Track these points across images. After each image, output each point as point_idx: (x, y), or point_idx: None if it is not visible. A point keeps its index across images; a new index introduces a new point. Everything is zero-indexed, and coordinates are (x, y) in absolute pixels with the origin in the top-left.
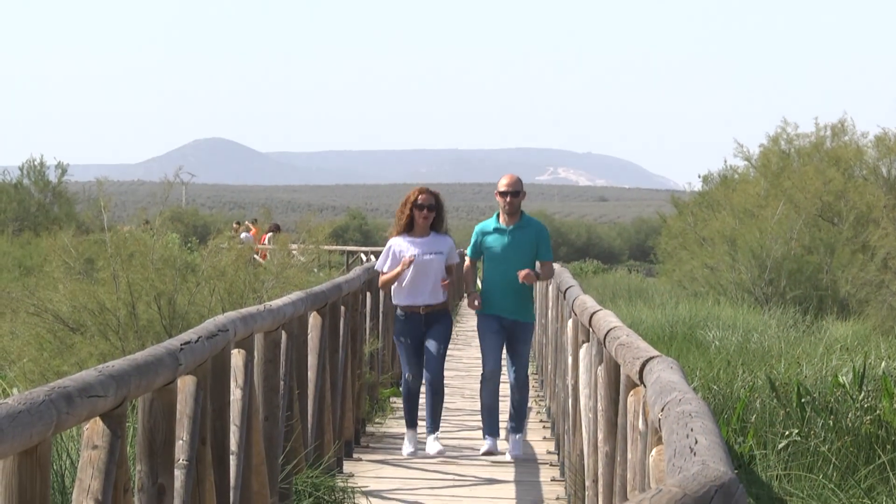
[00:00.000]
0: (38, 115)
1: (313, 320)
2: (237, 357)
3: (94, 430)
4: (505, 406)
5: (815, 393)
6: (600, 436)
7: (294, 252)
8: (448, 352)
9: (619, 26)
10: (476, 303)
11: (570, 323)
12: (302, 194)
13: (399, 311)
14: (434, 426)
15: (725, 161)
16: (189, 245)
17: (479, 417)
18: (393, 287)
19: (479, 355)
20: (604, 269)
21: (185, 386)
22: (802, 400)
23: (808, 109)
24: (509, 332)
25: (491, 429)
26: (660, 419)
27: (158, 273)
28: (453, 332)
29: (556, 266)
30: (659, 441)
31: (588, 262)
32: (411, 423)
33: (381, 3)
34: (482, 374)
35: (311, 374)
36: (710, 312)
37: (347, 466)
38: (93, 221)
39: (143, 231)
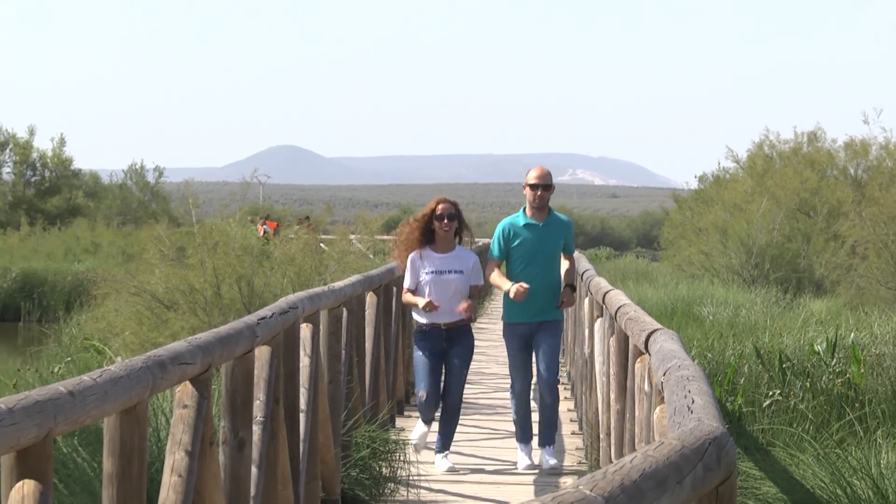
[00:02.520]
0: (139, 125)
1: (370, 299)
2: (305, 330)
3: (185, 392)
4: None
5: (794, 359)
6: (612, 396)
7: (353, 241)
8: (483, 324)
9: (632, 49)
10: (522, 288)
11: (586, 301)
12: (361, 193)
13: (418, 326)
14: (445, 446)
15: (718, 163)
16: (265, 235)
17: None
18: None
19: None
20: (615, 256)
21: (262, 355)
22: (784, 365)
23: (787, 119)
24: (535, 332)
25: (524, 436)
26: (662, 382)
27: (239, 259)
28: (487, 307)
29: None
30: (661, 401)
31: (602, 250)
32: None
33: (429, 31)
34: (511, 389)
35: (368, 345)
36: (705, 292)
37: (399, 422)
38: (184, 216)
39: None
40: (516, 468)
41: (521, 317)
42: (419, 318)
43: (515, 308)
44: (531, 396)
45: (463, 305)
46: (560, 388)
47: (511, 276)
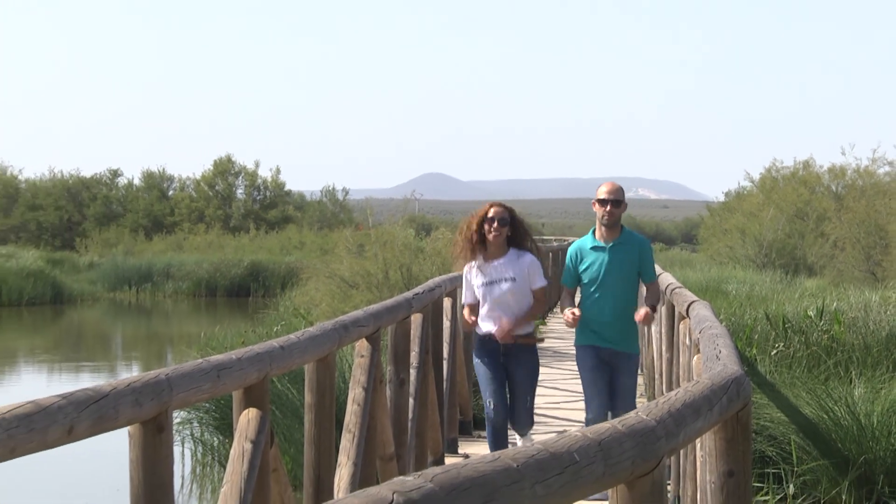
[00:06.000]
0: (331, 156)
1: None
2: (447, 302)
3: (362, 346)
4: None
5: (793, 321)
6: (663, 348)
7: None
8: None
9: (678, 96)
10: (574, 314)
11: None
12: None
13: (477, 338)
14: None
15: (738, 183)
16: (420, 236)
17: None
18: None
19: None
20: (666, 249)
21: (416, 319)
22: (785, 325)
23: (789, 150)
24: (610, 365)
25: None
26: (699, 338)
27: (402, 252)
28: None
29: None
30: (698, 351)
31: (656, 245)
32: None
33: (527, 82)
34: (585, 420)
35: None
36: (730, 274)
37: None
38: (363, 222)
39: (384, 229)
40: None
41: (593, 340)
42: (477, 331)
43: (587, 332)
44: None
45: (503, 325)
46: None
47: (582, 303)
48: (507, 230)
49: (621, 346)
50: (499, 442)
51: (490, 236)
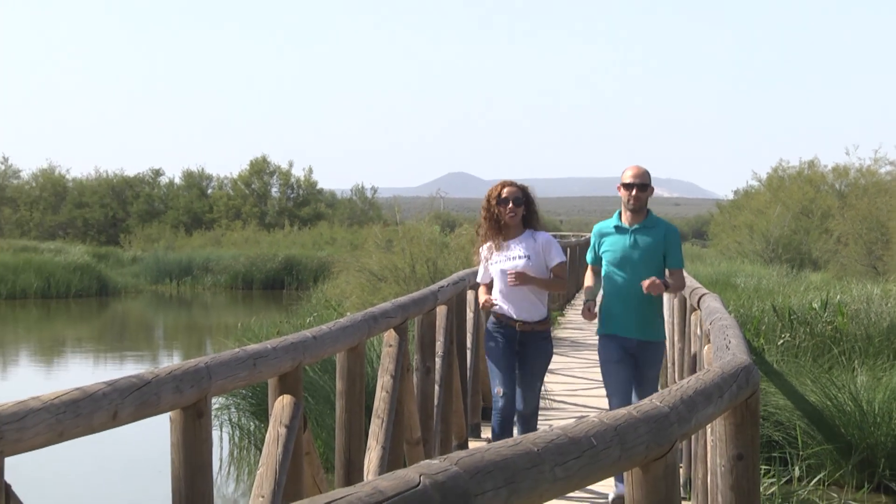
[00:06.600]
0: (361, 157)
1: None
2: (470, 294)
3: (390, 336)
4: None
5: (798, 313)
6: (676, 338)
7: None
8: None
9: (689, 99)
10: (592, 310)
11: None
12: None
13: (492, 318)
14: None
15: (747, 182)
16: (445, 232)
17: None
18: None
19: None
20: None
21: (441, 311)
22: (791, 317)
23: (795, 150)
24: (634, 356)
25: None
26: (709, 329)
27: (427, 248)
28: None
29: None
30: (708, 341)
31: None
32: None
33: (542, 87)
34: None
35: None
36: (739, 268)
37: None
38: (391, 219)
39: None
40: None
41: (617, 329)
42: (494, 309)
43: (611, 320)
44: None
45: (518, 275)
46: None
47: (604, 285)
48: (523, 210)
49: (646, 335)
50: (504, 431)
51: (506, 217)
